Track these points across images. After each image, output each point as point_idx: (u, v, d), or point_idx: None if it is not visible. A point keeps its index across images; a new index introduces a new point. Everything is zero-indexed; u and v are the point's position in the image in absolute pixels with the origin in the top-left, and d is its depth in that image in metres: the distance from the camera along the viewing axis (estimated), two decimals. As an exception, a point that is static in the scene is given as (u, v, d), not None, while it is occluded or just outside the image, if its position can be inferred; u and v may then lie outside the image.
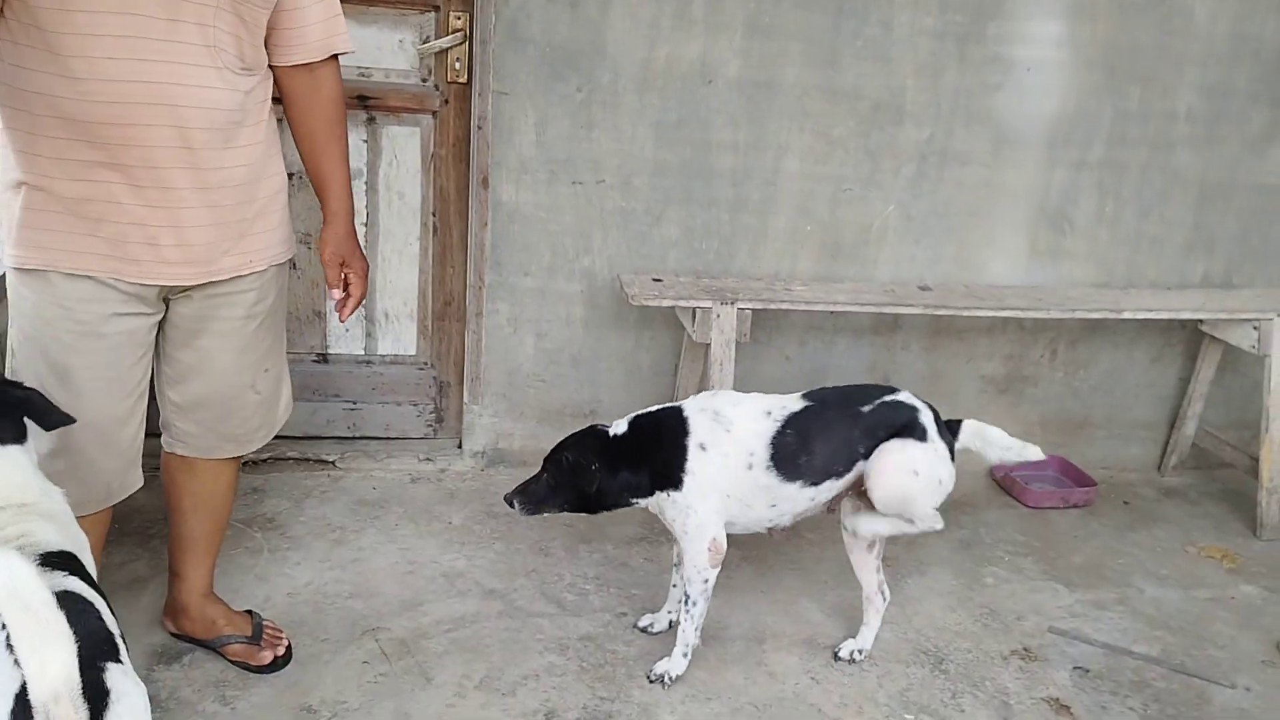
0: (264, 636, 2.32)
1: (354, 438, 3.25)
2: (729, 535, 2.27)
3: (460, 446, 3.26)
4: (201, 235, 1.90)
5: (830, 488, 2.28)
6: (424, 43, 2.94)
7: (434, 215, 3.10)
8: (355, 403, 3.23)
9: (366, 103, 2.96)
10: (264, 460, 3.08)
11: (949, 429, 2.33)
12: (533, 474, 2.28)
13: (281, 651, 2.30)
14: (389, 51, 2.95)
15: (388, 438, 3.27)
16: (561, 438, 2.30)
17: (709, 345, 2.81)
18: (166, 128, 1.77)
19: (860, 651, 2.44)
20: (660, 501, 2.25)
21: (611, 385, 3.19)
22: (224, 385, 2.08)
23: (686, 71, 2.95)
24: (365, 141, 3.00)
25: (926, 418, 2.28)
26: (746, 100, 3.00)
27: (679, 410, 2.28)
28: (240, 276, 2.00)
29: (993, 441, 2.36)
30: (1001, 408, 3.44)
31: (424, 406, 3.28)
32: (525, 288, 3.10)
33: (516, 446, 3.22)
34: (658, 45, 2.92)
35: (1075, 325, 3.38)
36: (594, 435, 2.28)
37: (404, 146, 3.03)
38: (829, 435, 2.25)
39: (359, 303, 2.18)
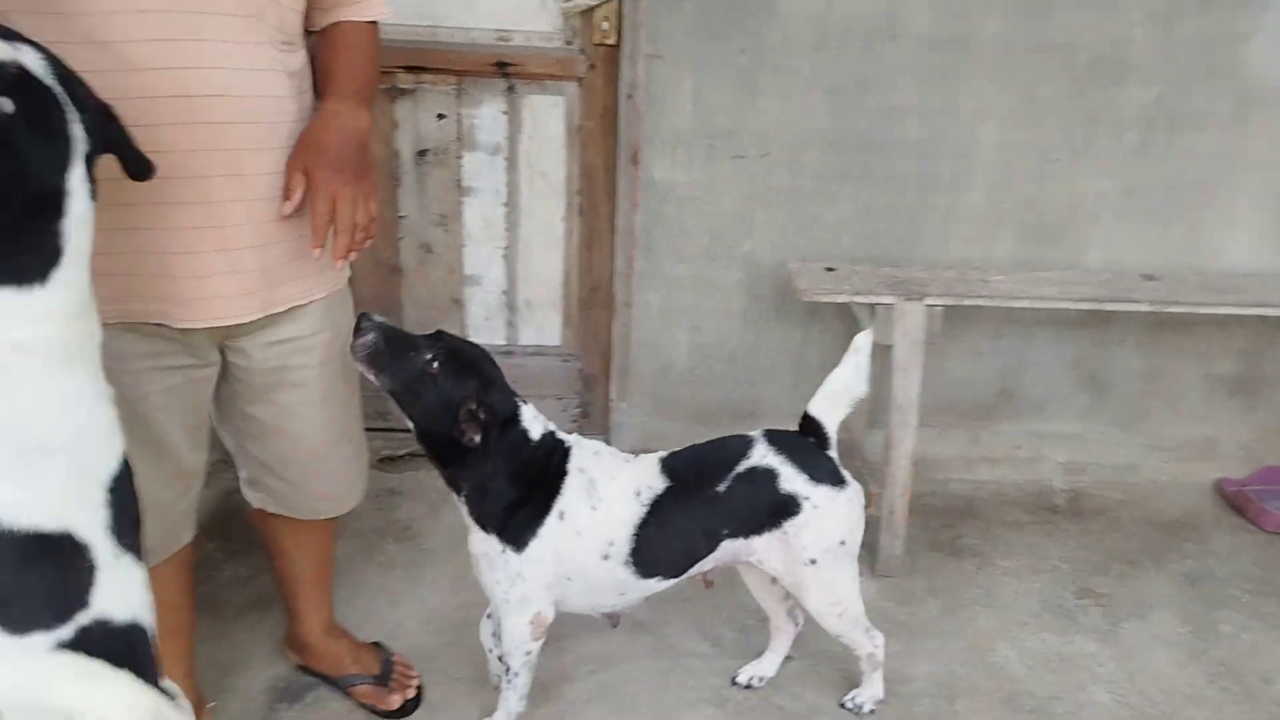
0: (393, 676, 2.10)
1: (494, 434, 3.01)
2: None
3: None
4: (255, 259, 1.57)
5: (693, 571, 1.90)
6: (568, 2, 2.62)
7: (579, 195, 2.80)
8: (495, 396, 2.98)
9: (505, 69, 2.66)
10: (400, 457, 2.88)
11: (816, 439, 1.87)
12: (419, 344, 1.72)
13: (411, 694, 2.09)
14: (530, 11, 2.64)
15: (530, 434, 3.02)
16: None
17: (891, 347, 2.43)
18: (211, 125, 1.45)
19: (760, 679, 2.12)
20: (488, 549, 1.80)
21: (774, 384, 2.84)
22: (312, 442, 1.80)
23: (867, 28, 2.54)
24: (504, 113, 2.71)
25: (790, 477, 1.82)
26: (937, 59, 2.57)
27: (561, 454, 1.81)
28: (299, 308, 1.68)
29: (843, 390, 1.86)
30: (1232, 411, 2.95)
31: (568, 401, 3.01)
32: (679, 275, 2.77)
33: (669, 448, 2.91)
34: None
35: (1329, 317, 2.84)
36: (513, 407, 1.77)
37: (546, 118, 2.72)
38: (690, 525, 1.83)
39: (351, 242, 1.56)
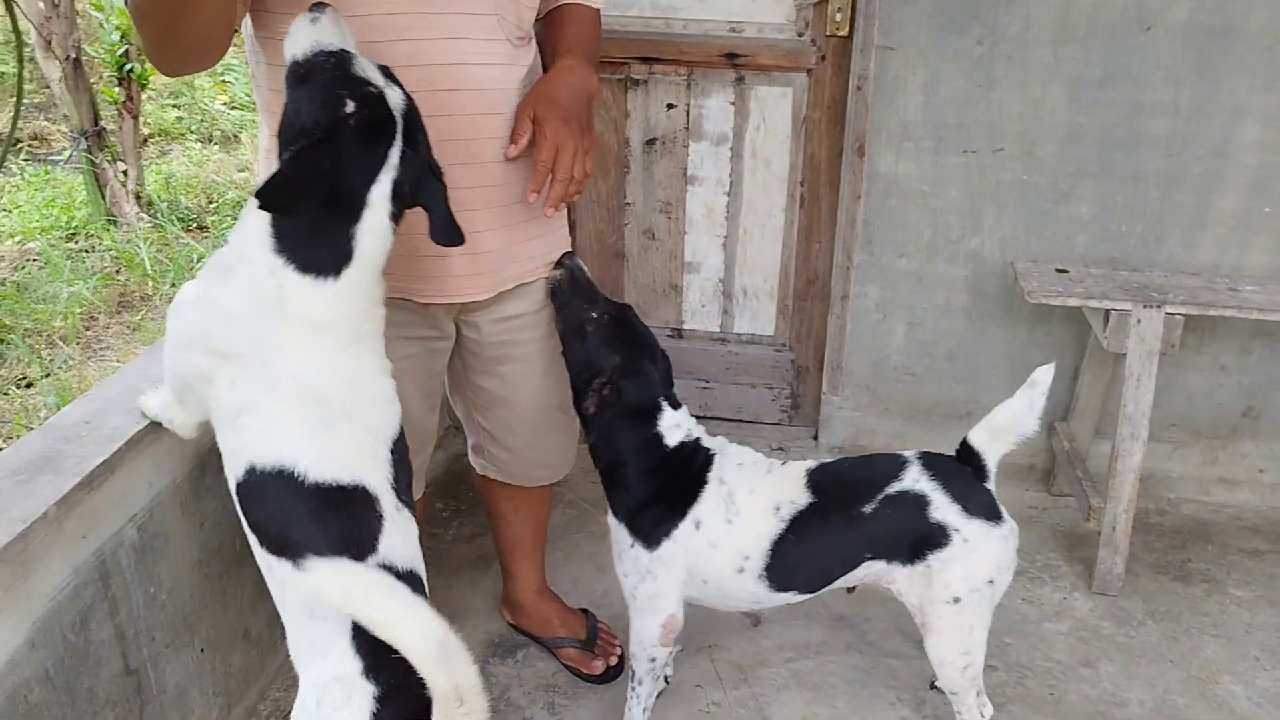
0: (598, 643, 2.20)
1: (704, 417, 3.03)
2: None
3: (816, 438, 2.97)
4: (491, 241, 1.69)
5: (831, 588, 1.83)
6: (802, -9, 2.62)
7: (802, 185, 2.80)
8: (707, 381, 3.03)
9: (735, 61, 2.69)
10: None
11: (975, 470, 1.75)
12: (598, 302, 1.78)
13: (614, 661, 2.18)
14: (763, 4, 2.66)
15: (739, 420, 3.05)
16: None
17: (1124, 356, 2.31)
18: (452, 117, 1.56)
19: None
20: (619, 537, 1.82)
21: (993, 386, 2.75)
22: (533, 411, 1.91)
23: (1118, 17, 2.41)
24: (732, 104, 2.74)
25: (944, 506, 1.71)
26: (1194, 51, 2.41)
27: (702, 459, 1.80)
28: (525, 285, 1.79)
29: (1011, 425, 1.73)
30: None
31: (779, 391, 3.02)
32: (899, 270, 2.73)
33: (879, 445, 2.88)
34: (1084, -14, 2.41)
35: None
36: (651, 404, 1.78)
37: (774, 109, 2.74)
38: (830, 544, 1.76)
39: (565, 193, 1.63)
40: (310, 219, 1.32)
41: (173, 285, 4.52)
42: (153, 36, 1.39)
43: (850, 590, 1.93)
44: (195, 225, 5.21)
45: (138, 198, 5.21)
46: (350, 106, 1.31)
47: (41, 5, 4.84)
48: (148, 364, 1.84)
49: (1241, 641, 2.28)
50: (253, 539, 1.36)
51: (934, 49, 2.51)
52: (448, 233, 1.45)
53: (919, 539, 1.73)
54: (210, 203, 5.45)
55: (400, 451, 1.41)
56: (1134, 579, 2.46)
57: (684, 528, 1.77)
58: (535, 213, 1.73)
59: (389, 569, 1.30)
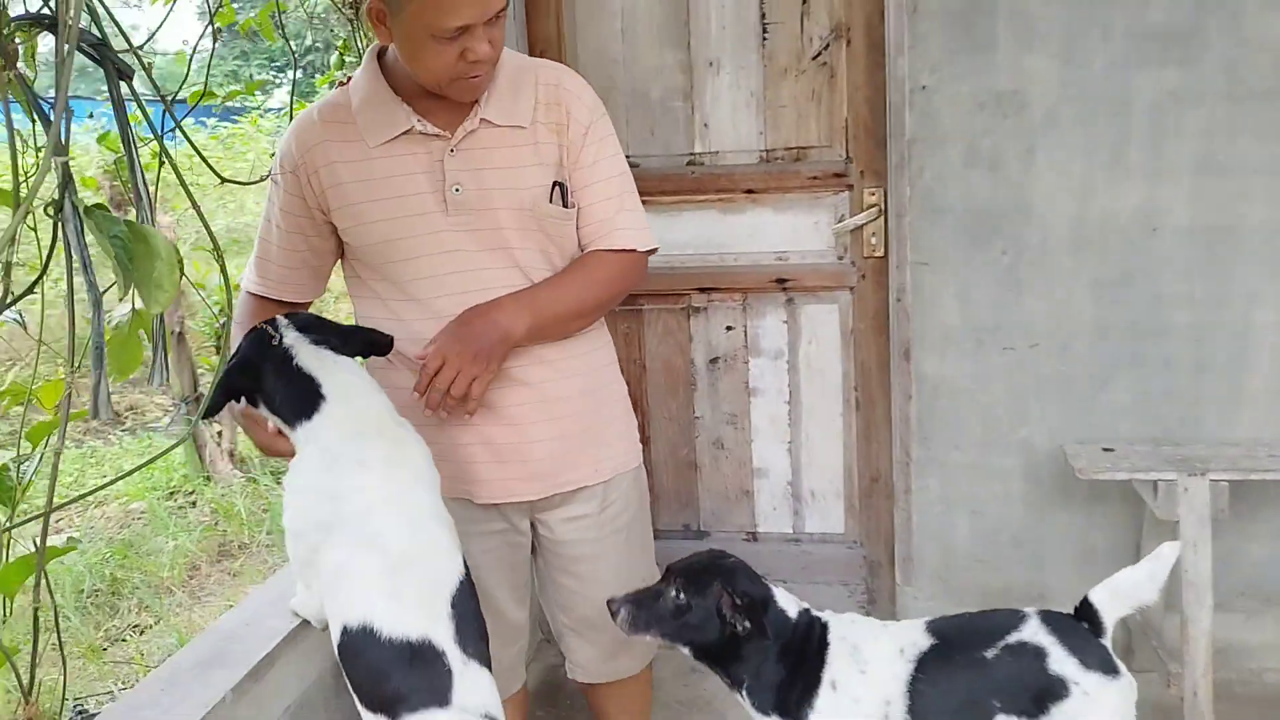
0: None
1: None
2: None
3: (893, 631, 3.08)
4: (544, 450, 1.92)
5: None
6: (839, 222, 2.97)
7: (856, 390, 3.05)
8: (785, 581, 3.14)
9: (784, 284, 3.01)
10: (697, 641, 3.10)
11: (1092, 627, 1.84)
12: (661, 590, 1.89)
13: None
14: (805, 233, 3.00)
15: (817, 620, 3.18)
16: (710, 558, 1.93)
17: (1177, 523, 2.46)
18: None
19: None
20: None
21: (1060, 567, 2.88)
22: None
23: (1125, 224, 2.71)
24: (785, 322, 3.05)
25: (1060, 659, 1.80)
26: (1202, 248, 2.69)
27: (820, 628, 1.91)
28: (588, 488, 1.99)
29: (1133, 589, 1.85)
30: None
31: (854, 587, 3.16)
32: (956, 462, 2.92)
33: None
34: (1090, 199, 2.72)
35: None
36: (765, 590, 1.91)
37: (822, 324, 3.04)
38: (959, 687, 1.84)
39: (436, 402, 1.76)
40: (272, 388, 1.65)
41: (269, 533, 4.81)
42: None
43: None
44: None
45: (231, 455, 5.59)
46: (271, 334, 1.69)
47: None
48: (279, 586, 2.07)
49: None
50: (357, 700, 1.53)
51: (963, 262, 2.81)
52: (382, 340, 1.78)
53: (1041, 691, 1.81)
54: (297, 457, 5.81)
55: (463, 604, 1.56)
56: (1224, 748, 2.49)
57: (823, 694, 1.85)
58: (595, 426, 1.99)
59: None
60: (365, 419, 1.63)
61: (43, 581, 1.37)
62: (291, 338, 1.66)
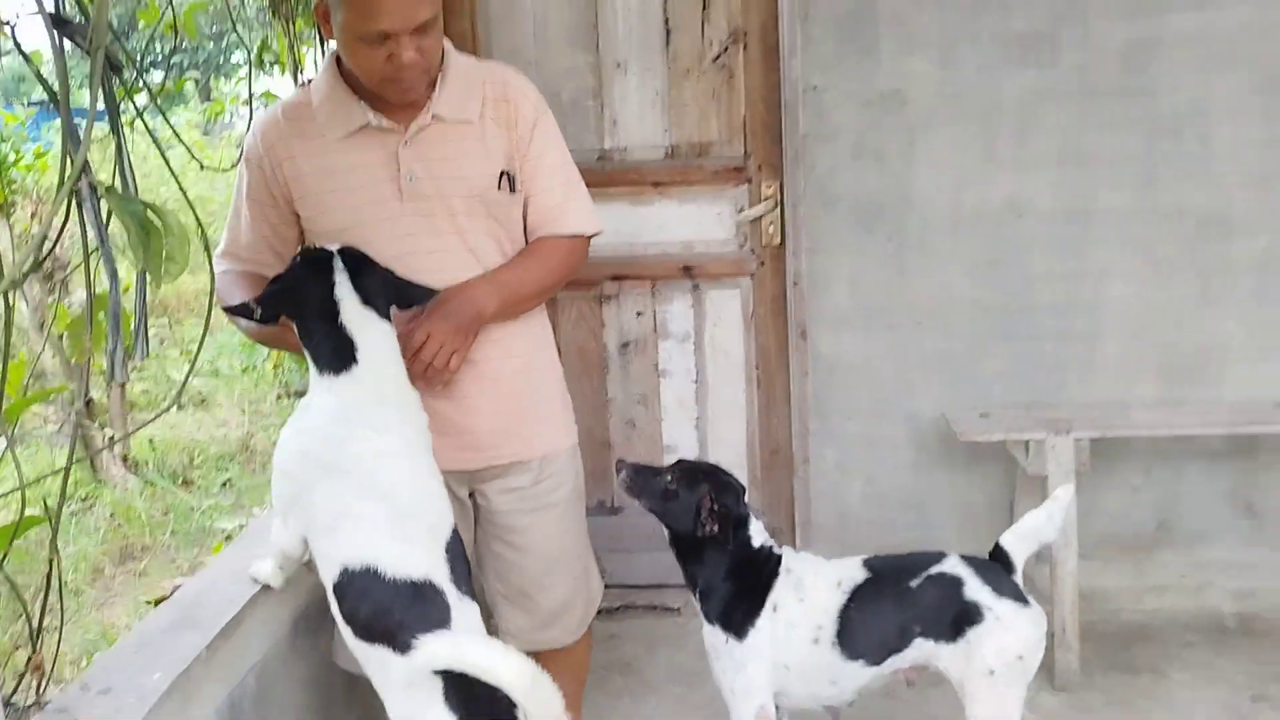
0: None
1: (694, 586, 3.40)
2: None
3: (796, 592, 3.32)
4: (483, 423, 2.07)
5: (893, 663, 2.12)
6: (739, 213, 3.19)
7: (757, 369, 3.28)
8: (693, 552, 3.39)
9: (690, 271, 3.23)
10: (617, 609, 3.29)
11: (1005, 566, 2.10)
12: (661, 471, 2.16)
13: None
14: (708, 224, 3.22)
15: (725, 585, 3.40)
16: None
17: (1046, 478, 2.76)
18: None
19: None
20: (715, 641, 2.16)
21: (945, 526, 3.17)
22: (540, 576, 2.20)
23: (997, 210, 3.02)
24: (691, 307, 3.26)
25: (977, 588, 2.06)
26: (1062, 230, 3.01)
27: (774, 560, 2.16)
28: (524, 463, 2.13)
29: (1035, 531, 2.12)
30: (1395, 531, 3.10)
31: (758, 554, 3.39)
32: (850, 433, 3.18)
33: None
34: (965, 188, 3.01)
35: None
36: (745, 512, 2.15)
37: (725, 308, 3.26)
38: (886, 613, 2.10)
39: (421, 372, 1.91)
40: (312, 334, 1.79)
41: (172, 533, 4.80)
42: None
43: (910, 684, 2.21)
44: (182, 481, 5.52)
45: (124, 460, 5.53)
46: (296, 256, 1.85)
47: (38, 289, 5.32)
48: (233, 556, 2.18)
49: (1188, 714, 2.62)
50: (346, 631, 1.68)
51: (853, 248, 3.07)
52: (422, 294, 1.90)
53: (958, 615, 2.05)
54: (193, 460, 5.77)
55: (455, 549, 1.75)
56: (1090, 676, 2.80)
57: (765, 614, 2.10)
58: (531, 405, 2.14)
59: None
60: (386, 386, 1.79)
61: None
62: (343, 290, 1.79)
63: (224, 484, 5.44)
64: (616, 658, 3.07)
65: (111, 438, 5.53)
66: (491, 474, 2.14)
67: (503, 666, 1.47)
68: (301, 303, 1.80)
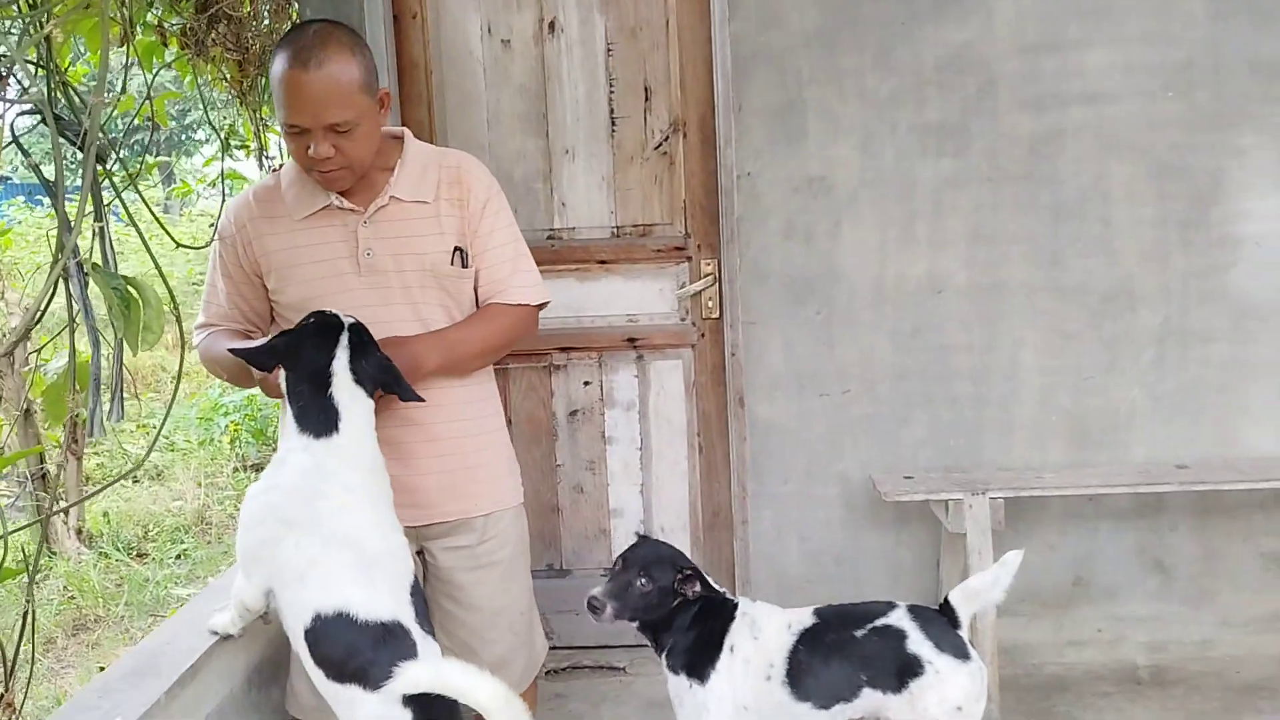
0: None
1: (641, 645, 3.51)
2: None
3: (737, 650, 3.46)
4: (429, 482, 2.20)
5: (843, 711, 2.24)
6: (681, 288, 3.40)
7: (698, 435, 3.46)
8: (639, 613, 3.52)
9: (635, 343, 3.41)
10: (564, 669, 3.41)
11: (949, 619, 2.24)
12: (619, 577, 2.27)
13: None
14: (651, 298, 3.42)
15: (669, 645, 3.53)
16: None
17: (965, 535, 2.94)
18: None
19: None
20: (679, 690, 2.28)
21: (875, 583, 3.33)
22: (482, 630, 2.31)
23: (916, 285, 3.25)
24: (636, 376, 3.44)
25: (918, 641, 2.19)
26: (976, 304, 3.24)
27: (731, 605, 2.33)
28: (468, 521, 2.25)
29: (982, 590, 2.26)
30: (1293, 585, 3.31)
31: (701, 613, 3.53)
32: (785, 494, 3.36)
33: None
34: (887, 265, 3.24)
35: (1362, 493, 3.25)
36: (699, 570, 2.31)
37: (668, 377, 3.44)
38: (831, 658, 2.24)
39: None
40: (301, 395, 1.92)
41: (126, 604, 4.84)
42: (219, 377, 2.06)
43: None
44: (136, 554, 5.56)
45: (79, 533, 5.56)
46: (310, 319, 1.98)
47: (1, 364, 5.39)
48: (193, 611, 2.30)
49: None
50: (318, 674, 1.81)
51: (786, 320, 3.28)
52: (404, 394, 2.02)
53: (901, 667, 2.17)
54: (147, 533, 5.81)
55: (418, 594, 1.90)
56: (1011, 724, 2.97)
57: (723, 656, 2.24)
58: (475, 466, 2.28)
59: None
60: (361, 456, 1.94)
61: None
62: (339, 365, 1.94)
63: (179, 555, 5.49)
64: (563, 715, 3.18)
65: (65, 509, 5.54)
66: (437, 531, 2.27)
67: (478, 688, 1.63)
68: (299, 365, 1.94)
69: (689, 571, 2.28)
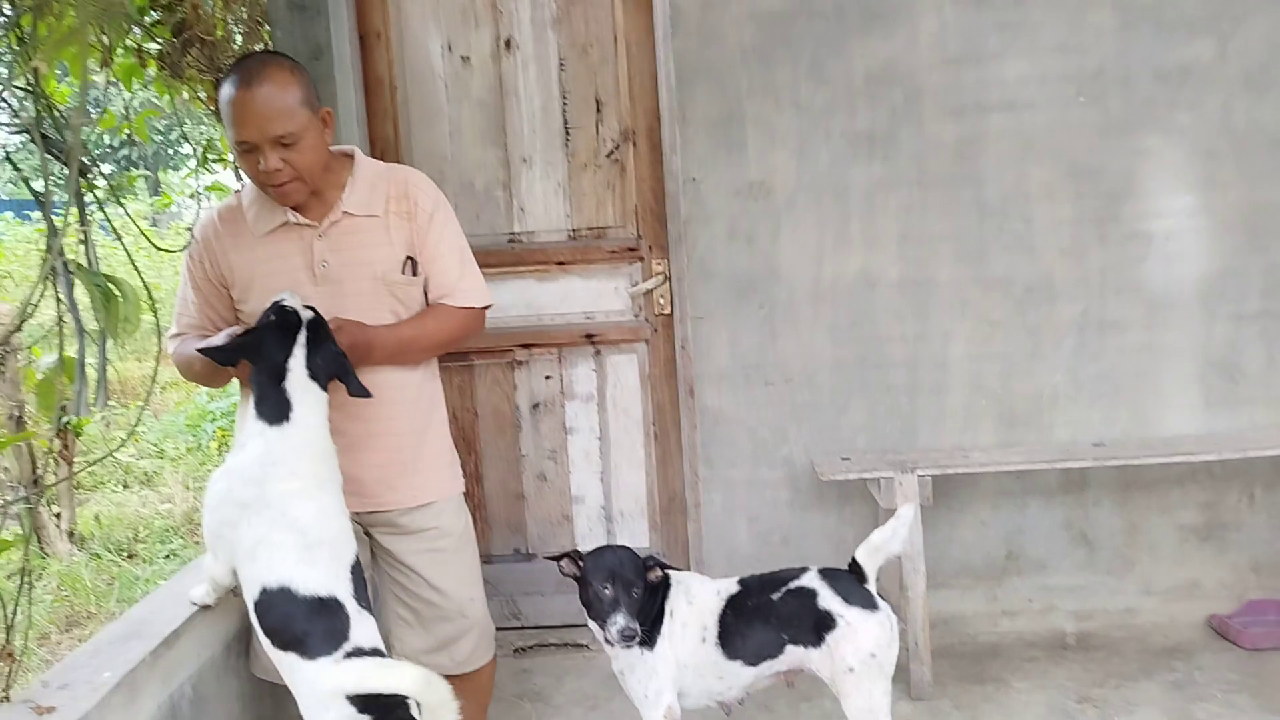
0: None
1: (602, 625, 3.74)
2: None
3: (692, 626, 3.68)
4: (371, 474, 2.37)
5: (770, 667, 2.45)
6: (634, 286, 3.62)
7: (653, 424, 3.69)
8: (601, 594, 3.74)
9: (592, 339, 3.64)
10: (530, 647, 3.63)
11: (857, 575, 2.43)
12: (622, 595, 2.37)
13: None
14: (607, 297, 3.64)
15: (630, 624, 3.75)
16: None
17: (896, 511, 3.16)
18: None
19: None
20: (632, 660, 2.45)
21: (820, 559, 3.46)
22: (429, 611, 2.49)
23: (852, 281, 3.48)
24: (594, 370, 3.66)
25: (829, 598, 2.40)
26: (908, 298, 3.47)
27: (670, 578, 2.51)
28: (407, 510, 2.43)
29: (882, 544, 2.43)
30: (1207, 555, 3.54)
31: (659, 593, 3.75)
32: (735, 479, 3.58)
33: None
34: (824, 263, 3.48)
35: (1268, 467, 3.48)
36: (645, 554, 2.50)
37: (624, 371, 3.67)
38: (755, 620, 2.44)
39: None
40: (259, 385, 2.11)
41: (118, 601, 5.04)
42: (194, 381, 2.28)
43: (790, 685, 2.55)
44: (127, 554, 5.76)
45: (70, 535, 5.75)
46: (271, 315, 2.15)
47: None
48: (177, 585, 2.51)
49: (1021, 714, 3.01)
50: (266, 641, 2.00)
51: (732, 315, 3.51)
52: (354, 389, 2.19)
53: (816, 622, 2.38)
54: (137, 535, 6.01)
55: (357, 573, 2.08)
56: (943, 687, 3.18)
57: (665, 621, 2.45)
58: (413, 459, 2.46)
59: (360, 649, 1.97)
60: (310, 442, 2.12)
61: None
62: (295, 361, 2.11)
63: (168, 556, 5.69)
64: (528, 688, 3.40)
65: (57, 482, 5.72)
66: (381, 519, 2.47)
67: (398, 676, 1.81)
68: (258, 357, 2.13)
69: (650, 561, 2.48)
